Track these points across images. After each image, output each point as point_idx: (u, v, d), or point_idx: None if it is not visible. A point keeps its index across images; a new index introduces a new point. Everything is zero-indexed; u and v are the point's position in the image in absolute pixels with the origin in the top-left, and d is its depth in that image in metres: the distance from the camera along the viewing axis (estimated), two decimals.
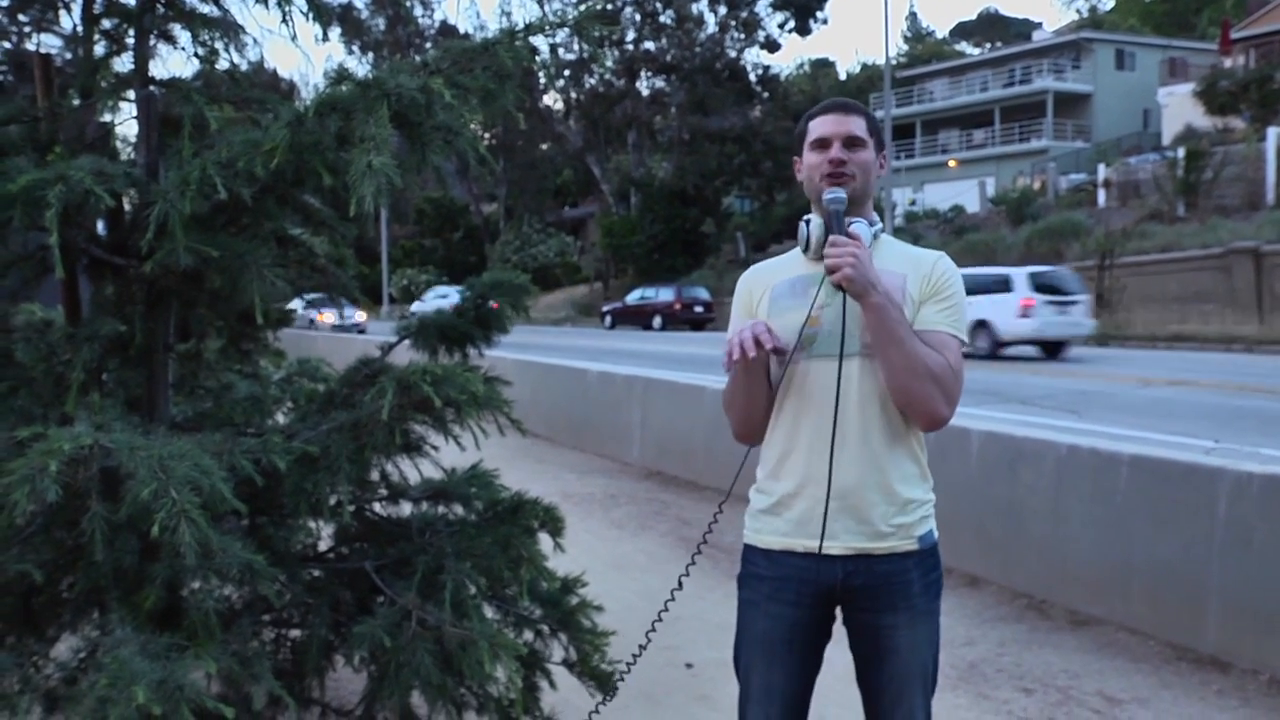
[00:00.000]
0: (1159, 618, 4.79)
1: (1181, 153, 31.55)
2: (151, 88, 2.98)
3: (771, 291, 2.43)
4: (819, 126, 2.41)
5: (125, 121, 3.05)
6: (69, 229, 2.78)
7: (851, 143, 2.38)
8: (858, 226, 2.32)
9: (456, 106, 2.69)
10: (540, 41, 3.05)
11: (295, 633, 3.20)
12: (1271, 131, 30.42)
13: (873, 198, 2.47)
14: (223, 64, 3.20)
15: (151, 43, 3.09)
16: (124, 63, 3.15)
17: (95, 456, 2.31)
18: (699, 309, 34.44)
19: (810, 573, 2.34)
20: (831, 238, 2.26)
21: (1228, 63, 42.31)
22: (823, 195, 2.34)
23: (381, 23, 51.72)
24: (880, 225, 2.42)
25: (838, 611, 2.43)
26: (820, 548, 2.30)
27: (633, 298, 36.73)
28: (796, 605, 2.37)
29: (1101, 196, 35.31)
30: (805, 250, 2.41)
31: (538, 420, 11.11)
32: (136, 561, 2.56)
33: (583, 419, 10.77)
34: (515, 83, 2.92)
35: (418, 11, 52.14)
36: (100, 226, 3.00)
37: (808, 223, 2.40)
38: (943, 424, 2.30)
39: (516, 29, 2.92)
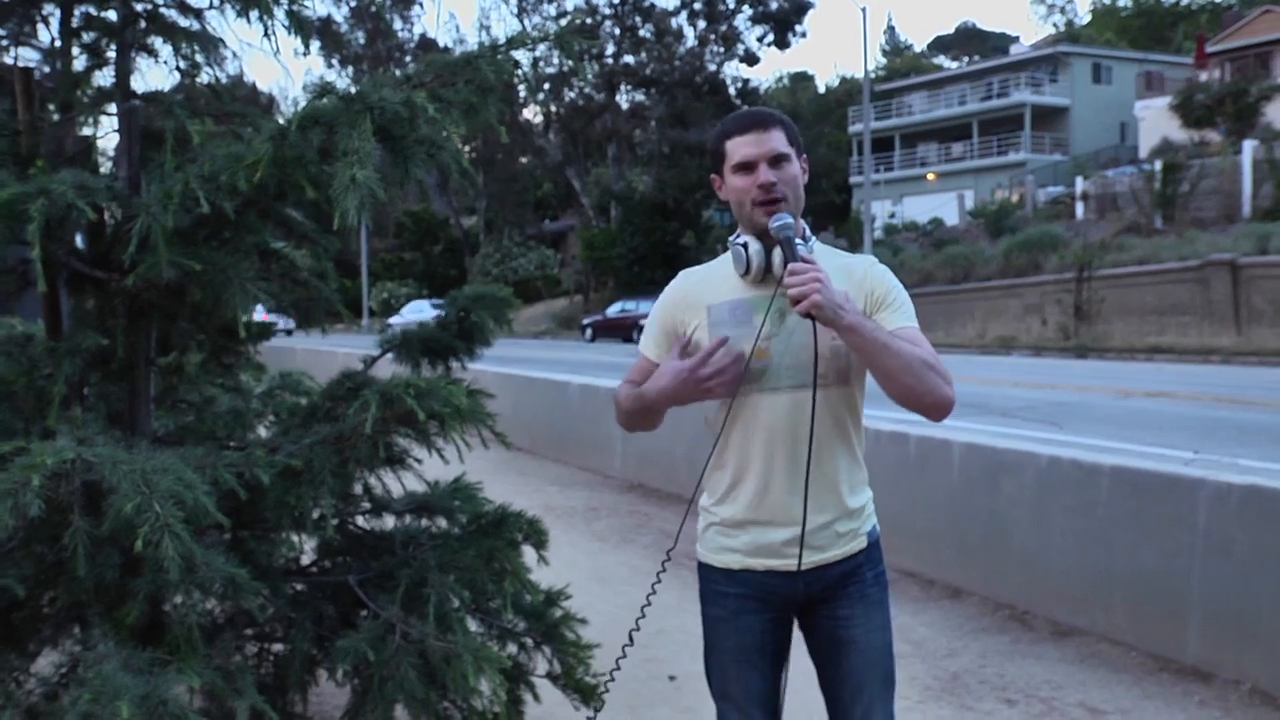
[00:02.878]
0: (1141, 628, 4.81)
1: (1158, 166, 31.80)
2: (133, 101, 2.98)
3: (710, 315, 2.37)
4: (739, 148, 2.32)
5: (106, 135, 3.04)
6: (51, 243, 2.77)
7: (776, 160, 2.31)
8: (804, 249, 2.27)
9: (439, 120, 2.70)
10: (521, 55, 3.06)
11: (278, 647, 3.19)
12: (1247, 144, 30.72)
13: (800, 205, 2.38)
14: (204, 78, 3.20)
15: (133, 56, 3.09)
16: (105, 76, 3.14)
17: (78, 471, 2.30)
18: None
19: (772, 587, 2.40)
20: (790, 266, 2.18)
21: (1203, 76, 42.70)
22: (769, 224, 2.27)
23: (361, 37, 51.70)
24: (813, 238, 2.39)
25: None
26: (799, 566, 2.36)
27: (613, 310, 36.75)
28: (762, 614, 2.43)
29: (1079, 209, 35.56)
30: (745, 274, 2.34)
31: (520, 433, 11.09)
32: (119, 576, 2.54)
33: (565, 432, 10.76)
34: (498, 96, 2.93)
35: (397, 25, 52.19)
36: (80, 240, 2.99)
37: (745, 246, 2.32)
38: (952, 407, 2.28)
39: (499, 43, 2.93)
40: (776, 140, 2.32)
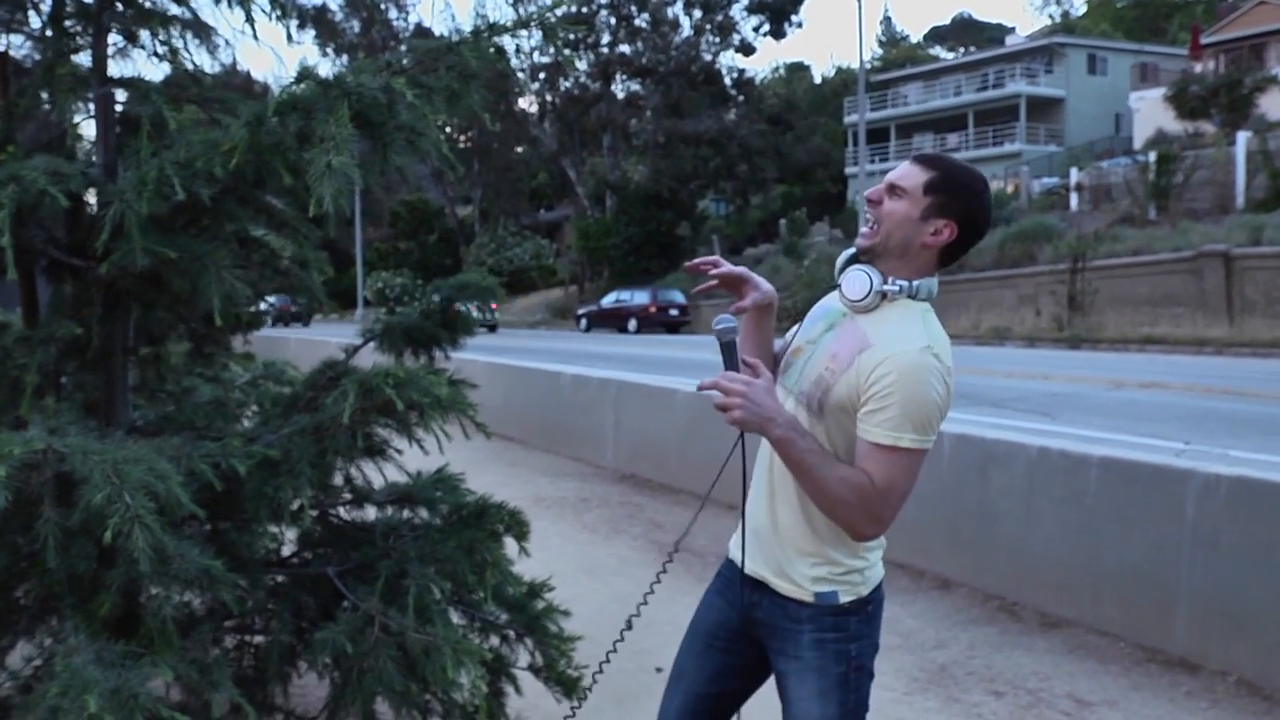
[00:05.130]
0: (1129, 619, 4.80)
1: (1153, 157, 31.78)
2: (110, 87, 2.94)
3: (813, 310, 2.41)
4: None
5: (82, 121, 3.00)
6: (25, 230, 2.73)
7: (893, 189, 2.22)
8: (857, 274, 2.21)
9: (420, 106, 2.66)
10: (510, 43, 3.02)
11: (258, 639, 3.16)
12: (1241, 136, 30.71)
13: (911, 259, 2.22)
14: (188, 64, 3.15)
15: (116, 42, 3.04)
16: (84, 61, 3.10)
17: (49, 461, 2.26)
18: (674, 312, 34.45)
19: (735, 585, 2.41)
20: (722, 374, 2.13)
21: (1198, 68, 42.68)
22: (716, 323, 2.21)
23: (356, 25, 51.52)
24: (904, 285, 2.21)
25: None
26: (742, 562, 2.36)
27: (608, 300, 36.71)
28: (729, 605, 2.43)
29: (1074, 200, 35.54)
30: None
31: (511, 423, 11.07)
32: (93, 568, 2.51)
33: (556, 422, 10.74)
34: (481, 83, 2.89)
35: (392, 14, 52.00)
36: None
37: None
38: (869, 539, 2.21)
39: (481, 29, 2.89)
40: (907, 175, 2.22)
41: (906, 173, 2.22)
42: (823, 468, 2.11)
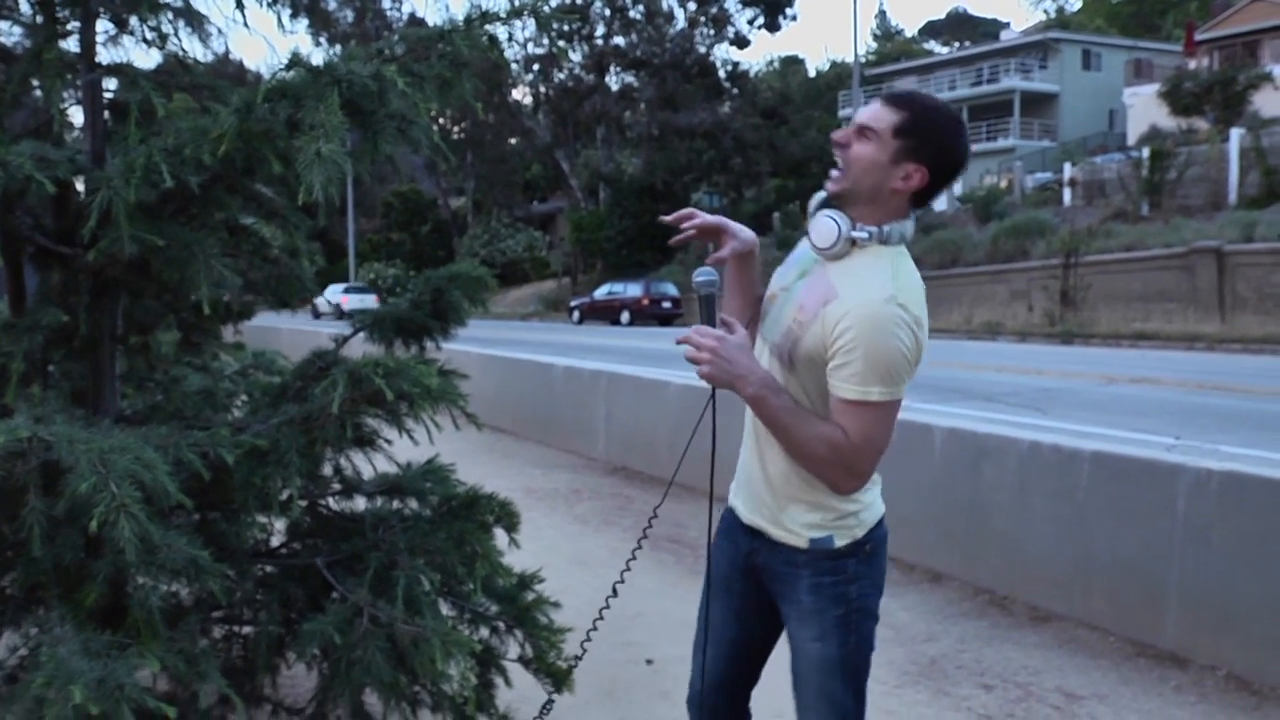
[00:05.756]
0: (1119, 614, 4.81)
1: (1146, 153, 31.81)
2: (99, 74, 2.91)
3: (789, 254, 2.39)
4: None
5: (70, 107, 2.97)
6: (12, 216, 2.72)
7: (862, 131, 2.15)
8: (825, 220, 2.16)
9: (411, 94, 2.64)
10: (503, 33, 3.00)
11: (246, 630, 3.14)
12: (1234, 133, 30.74)
13: (881, 203, 2.17)
14: (178, 52, 3.13)
15: (106, 29, 3.02)
16: (73, 47, 3.07)
17: (35, 449, 2.25)
18: (667, 304, 34.46)
19: (737, 529, 2.45)
20: (694, 328, 2.12)
21: (1192, 64, 42.70)
22: (695, 276, 2.21)
23: (350, 14, 51.33)
24: (874, 231, 2.16)
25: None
26: (710, 503, 2.39)
27: (601, 293, 36.68)
28: (734, 546, 2.45)
29: (1067, 195, 35.55)
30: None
31: (503, 415, 11.05)
32: (79, 557, 2.49)
33: (548, 414, 10.72)
34: (473, 72, 2.87)
35: (386, 4, 51.80)
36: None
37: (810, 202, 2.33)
38: (849, 493, 2.22)
39: (474, 17, 2.87)
40: (878, 116, 2.14)
41: (876, 114, 2.15)
42: (799, 426, 2.11)
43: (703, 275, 2.19)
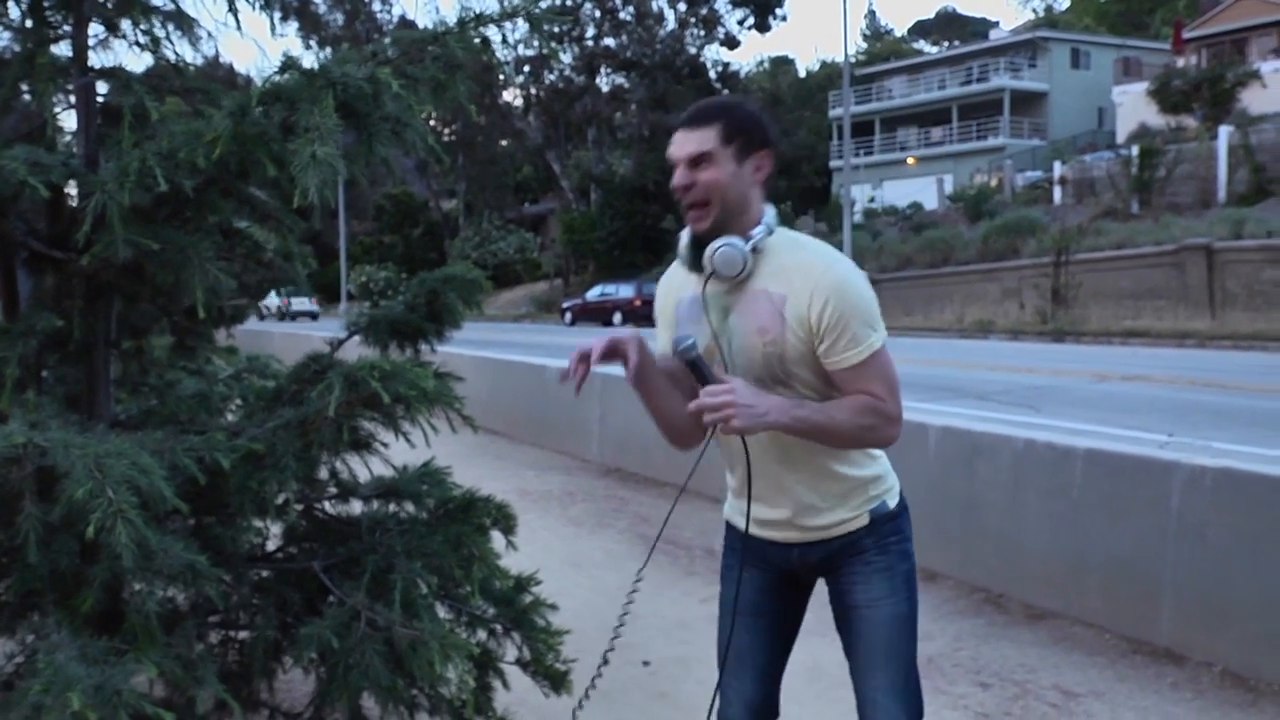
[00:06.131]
0: (1114, 611, 4.81)
1: (1135, 151, 31.93)
2: (91, 77, 2.90)
3: (677, 311, 2.38)
4: (670, 146, 2.24)
5: (62, 111, 2.96)
6: (5, 221, 2.70)
7: (696, 162, 2.19)
8: (759, 238, 2.21)
9: (405, 97, 2.64)
10: (495, 34, 3.00)
11: (243, 634, 3.13)
12: (1223, 130, 30.87)
13: (750, 206, 2.23)
14: (170, 55, 3.12)
15: (97, 33, 3.01)
16: (65, 52, 3.06)
17: (30, 455, 2.24)
18: None
19: (771, 554, 2.45)
20: (703, 392, 2.11)
21: (1180, 62, 42.84)
22: (675, 345, 2.20)
23: (340, 18, 51.27)
24: (762, 230, 2.22)
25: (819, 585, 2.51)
26: (744, 531, 2.41)
27: (593, 294, 36.69)
28: (764, 573, 2.47)
29: (1057, 194, 35.67)
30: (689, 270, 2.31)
31: (496, 417, 11.03)
32: (75, 563, 2.48)
33: (542, 416, 10.71)
34: (466, 74, 2.87)
35: (376, 6, 51.76)
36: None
37: (679, 240, 2.31)
38: (894, 440, 2.30)
39: (467, 19, 2.87)
40: (698, 139, 2.19)
41: (696, 139, 2.19)
42: (836, 417, 2.19)
43: (681, 343, 2.18)
